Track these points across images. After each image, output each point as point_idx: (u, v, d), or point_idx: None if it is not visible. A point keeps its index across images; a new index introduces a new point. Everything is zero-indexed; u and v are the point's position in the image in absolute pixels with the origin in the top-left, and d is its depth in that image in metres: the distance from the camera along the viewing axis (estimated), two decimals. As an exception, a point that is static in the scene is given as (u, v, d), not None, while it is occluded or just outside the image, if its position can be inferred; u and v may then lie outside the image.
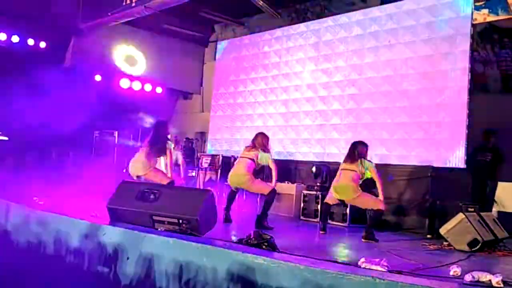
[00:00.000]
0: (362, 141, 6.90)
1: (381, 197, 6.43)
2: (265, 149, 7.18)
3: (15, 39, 10.79)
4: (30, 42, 11.03)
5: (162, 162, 7.74)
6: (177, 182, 7.76)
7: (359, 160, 6.52)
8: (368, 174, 6.52)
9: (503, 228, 6.17)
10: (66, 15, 10.83)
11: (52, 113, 10.46)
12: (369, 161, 6.62)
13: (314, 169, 9.16)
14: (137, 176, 7.26)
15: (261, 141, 7.20)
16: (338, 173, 6.71)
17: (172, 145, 7.35)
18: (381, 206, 6.34)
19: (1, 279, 5.26)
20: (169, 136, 7.57)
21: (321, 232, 6.59)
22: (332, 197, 6.69)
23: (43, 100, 10.37)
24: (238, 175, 7.03)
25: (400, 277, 2.96)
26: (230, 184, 7.20)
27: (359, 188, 6.47)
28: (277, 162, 10.09)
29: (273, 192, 6.95)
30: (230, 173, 7.21)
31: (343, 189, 6.52)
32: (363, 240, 6.18)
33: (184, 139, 11.98)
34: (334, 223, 7.91)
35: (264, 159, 7.10)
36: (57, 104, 10.70)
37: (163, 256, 3.82)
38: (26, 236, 5.23)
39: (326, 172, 8.99)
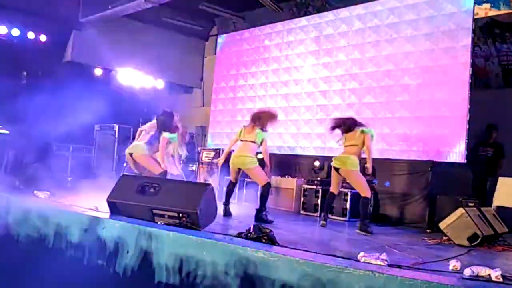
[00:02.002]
0: (348, 118, 7.08)
1: (369, 165, 6.50)
2: (264, 128, 7.14)
3: (15, 32, 10.77)
4: (31, 35, 11.00)
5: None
6: (175, 175, 7.77)
7: (357, 130, 6.63)
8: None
9: (503, 223, 6.17)
10: (66, 9, 10.80)
11: (52, 106, 10.46)
12: (368, 129, 6.69)
13: (317, 163, 9.17)
14: (130, 154, 7.30)
15: (261, 120, 7.14)
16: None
17: (169, 136, 7.29)
18: (368, 194, 6.41)
19: (2, 273, 5.28)
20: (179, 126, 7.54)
21: (322, 222, 6.64)
22: (333, 177, 6.78)
23: (43, 93, 10.36)
24: (242, 156, 7.03)
25: (399, 271, 2.96)
26: (232, 165, 7.16)
27: (358, 164, 6.54)
28: (278, 156, 10.17)
29: (268, 185, 7.00)
30: (234, 154, 7.21)
31: (342, 159, 6.63)
32: (357, 232, 6.24)
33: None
34: (334, 217, 7.92)
35: (260, 137, 7.06)
36: (58, 97, 10.69)
37: (163, 250, 3.83)
38: (26, 230, 5.24)
39: (329, 167, 9.04)
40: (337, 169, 6.65)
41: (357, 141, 6.61)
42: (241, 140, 7.20)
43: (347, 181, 6.93)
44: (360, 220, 6.42)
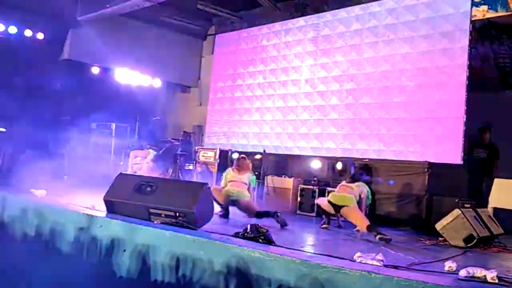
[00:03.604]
0: (367, 167, 7.50)
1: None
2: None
3: (12, 30, 10.73)
4: (28, 33, 10.96)
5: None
6: None
7: (357, 183, 6.82)
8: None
9: (498, 224, 6.19)
10: (64, 7, 10.77)
11: (50, 104, 10.44)
12: (368, 187, 6.88)
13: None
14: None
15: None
16: (337, 188, 7.02)
17: None
18: (364, 228, 6.37)
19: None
20: None
21: (324, 226, 6.72)
22: (325, 204, 6.87)
23: (40, 91, 10.33)
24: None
25: (395, 271, 2.97)
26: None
27: (355, 202, 6.62)
28: (275, 156, 10.18)
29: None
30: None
31: (341, 198, 6.71)
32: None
33: (182, 132, 11.98)
34: (330, 217, 7.92)
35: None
36: (55, 95, 10.66)
37: (159, 249, 3.83)
38: (23, 228, 5.23)
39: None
40: (335, 205, 6.77)
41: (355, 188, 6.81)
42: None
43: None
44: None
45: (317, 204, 7.45)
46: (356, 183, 6.82)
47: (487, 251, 5.48)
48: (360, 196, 6.70)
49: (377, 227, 6.03)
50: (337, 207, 6.68)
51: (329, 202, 6.78)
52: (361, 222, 6.36)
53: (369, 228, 6.05)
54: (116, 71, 12.30)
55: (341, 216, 6.86)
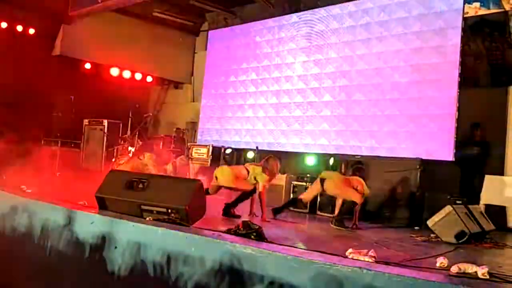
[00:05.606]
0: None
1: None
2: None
3: (3, 25, 10.64)
4: (19, 28, 10.87)
5: None
6: None
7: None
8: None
9: (490, 221, 6.23)
10: (55, 2, 10.69)
11: (41, 100, 10.37)
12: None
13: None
14: None
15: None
16: None
17: None
18: (358, 200, 6.43)
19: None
20: None
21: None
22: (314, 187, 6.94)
23: (32, 87, 10.27)
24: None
25: (387, 268, 2.97)
26: None
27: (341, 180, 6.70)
28: (268, 152, 10.15)
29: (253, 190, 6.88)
30: None
31: (327, 174, 6.86)
32: (332, 226, 6.44)
33: (175, 129, 11.96)
34: (323, 213, 7.94)
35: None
36: (46, 91, 10.59)
37: (151, 246, 3.80)
38: (13, 224, 5.19)
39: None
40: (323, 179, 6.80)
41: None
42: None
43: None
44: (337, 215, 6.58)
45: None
46: (354, 176, 6.85)
47: (478, 247, 5.51)
48: (355, 187, 6.69)
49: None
50: (322, 181, 6.70)
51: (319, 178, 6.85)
52: (351, 194, 6.45)
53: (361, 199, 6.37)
54: (109, 67, 12.23)
55: (325, 191, 6.83)
